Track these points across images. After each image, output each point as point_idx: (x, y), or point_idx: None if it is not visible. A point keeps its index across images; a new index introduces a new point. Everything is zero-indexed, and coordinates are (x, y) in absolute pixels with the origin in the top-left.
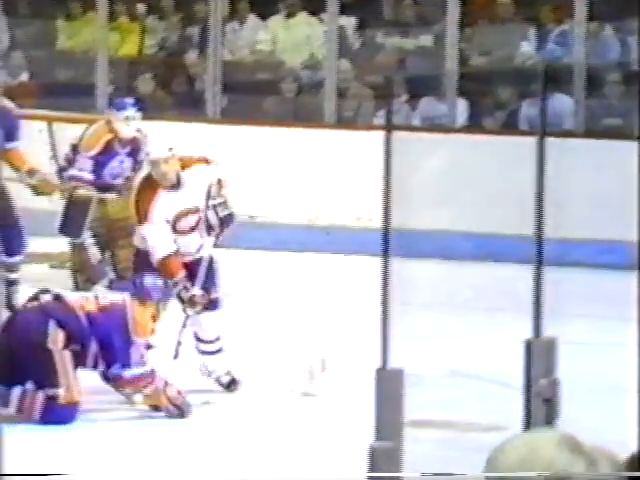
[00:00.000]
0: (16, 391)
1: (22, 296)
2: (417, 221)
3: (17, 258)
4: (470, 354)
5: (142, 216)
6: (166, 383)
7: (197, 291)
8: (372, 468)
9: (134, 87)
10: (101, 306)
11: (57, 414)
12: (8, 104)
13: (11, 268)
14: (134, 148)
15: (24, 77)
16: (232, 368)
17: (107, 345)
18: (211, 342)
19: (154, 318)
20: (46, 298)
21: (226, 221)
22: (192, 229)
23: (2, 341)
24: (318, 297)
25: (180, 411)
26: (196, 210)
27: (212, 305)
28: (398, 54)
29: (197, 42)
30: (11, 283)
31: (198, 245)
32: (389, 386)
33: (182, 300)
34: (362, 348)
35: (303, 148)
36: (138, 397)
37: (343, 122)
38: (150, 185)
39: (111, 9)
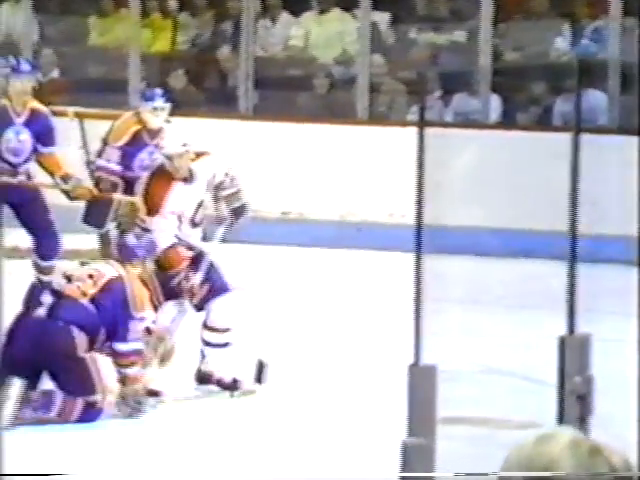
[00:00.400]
0: (59, 396)
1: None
2: (450, 218)
3: (51, 262)
4: (504, 351)
5: (152, 208)
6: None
7: (197, 280)
8: (404, 464)
9: (166, 83)
10: (101, 286)
11: (94, 416)
12: (42, 108)
13: (44, 271)
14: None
15: (55, 74)
16: (237, 368)
17: (112, 324)
18: (219, 331)
19: (150, 293)
20: (48, 300)
21: (238, 213)
22: (199, 222)
23: (28, 349)
24: (349, 293)
25: (134, 408)
26: (202, 203)
27: (213, 295)
28: (431, 50)
29: (230, 38)
30: (43, 285)
31: (200, 237)
32: (422, 382)
33: (182, 290)
34: (395, 344)
35: (335, 144)
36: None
37: (376, 118)
38: (163, 177)
39: (143, 6)
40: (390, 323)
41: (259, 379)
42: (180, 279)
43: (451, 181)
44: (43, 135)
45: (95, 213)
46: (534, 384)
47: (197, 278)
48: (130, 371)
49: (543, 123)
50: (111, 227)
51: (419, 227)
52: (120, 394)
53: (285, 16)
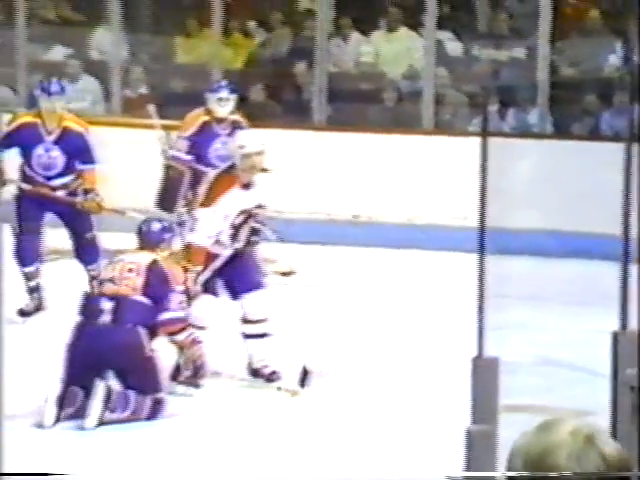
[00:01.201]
0: (133, 396)
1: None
2: (510, 220)
3: (95, 265)
4: (561, 344)
5: (206, 201)
6: (194, 340)
7: (202, 278)
8: (468, 450)
9: (246, 97)
10: (144, 275)
11: (160, 413)
12: (76, 127)
13: (92, 273)
14: (236, 129)
15: (143, 90)
16: (278, 359)
17: (154, 300)
18: (256, 322)
19: (185, 268)
20: (108, 306)
21: (255, 234)
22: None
23: (96, 357)
24: (415, 291)
25: (197, 375)
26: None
27: (247, 290)
28: (492, 65)
29: (305, 55)
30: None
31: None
32: (485, 373)
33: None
34: (459, 338)
35: (403, 153)
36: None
37: (440, 128)
38: (227, 178)
39: (225, 26)
40: (455, 319)
41: (302, 384)
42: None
43: (511, 187)
44: (78, 153)
45: (166, 198)
46: (589, 375)
47: (203, 276)
48: (181, 337)
49: (594, 134)
50: (181, 212)
51: (482, 229)
52: (182, 361)
53: (355, 35)
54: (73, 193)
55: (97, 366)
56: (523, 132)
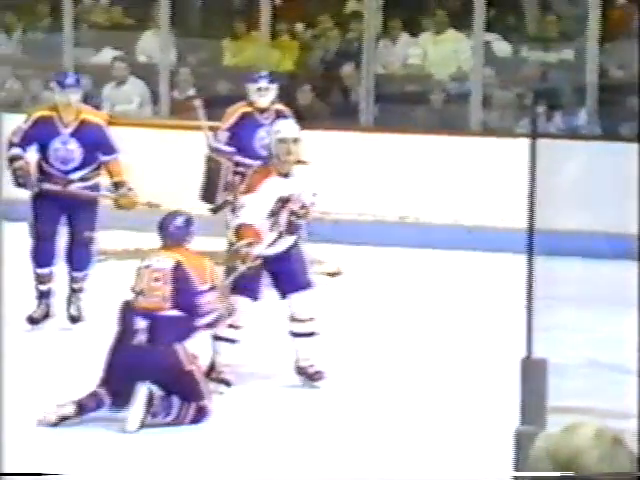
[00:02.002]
0: (176, 402)
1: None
2: (558, 222)
3: (84, 272)
4: (609, 345)
5: (249, 189)
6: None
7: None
8: (517, 451)
9: (294, 99)
10: (171, 281)
11: (204, 417)
12: (93, 120)
13: (77, 280)
14: (279, 118)
15: (191, 92)
16: (320, 359)
17: (189, 305)
18: (304, 321)
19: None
20: (143, 325)
21: (293, 229)
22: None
23: (133, 375)
24: (462, 292)
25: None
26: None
27: (296, 289)
28: (541, 67)
29: (353, 57)
30: (74, 291)
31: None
32: (533, 374)
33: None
34: (508, 340)
35: (450, 154)
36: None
37: (488, 130)
38: (266, 169)
39: (273, 28)
40: (503, 320)
41: (313, 378)
42: (242, 246)
43: (559, 188)
44: (98, 145)
45: (206, 190)
46: (637, 377)
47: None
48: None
49: None
50: (223, 204)
51: (530, 231)
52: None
53: (404, 37)
54: (92, 188)
55: (137, 381)
56: (572, 133)
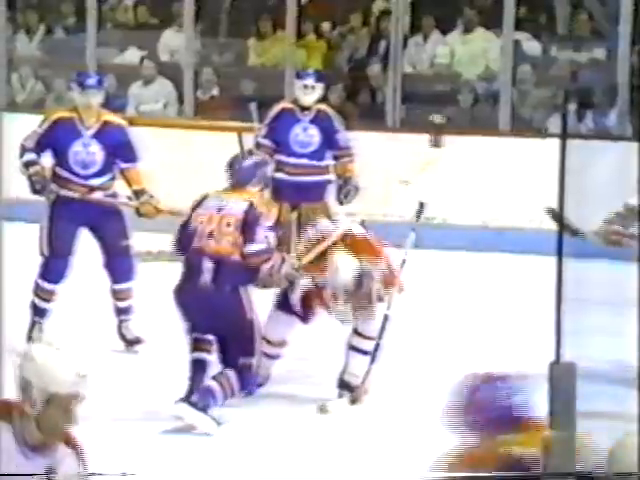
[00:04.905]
0: (218, 390)
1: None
2: (587, 223)
3: (126, 285)
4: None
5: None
6: (283, 259)
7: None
8: (546, 457)
9: (326, 98)
10: (240, 225)
11: (251, 381)
12: (117, 121)
13: (119, 296)
14: (319, 117)
15: (215, 92)
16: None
17: (246, 235)
18: (366, 338)
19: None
20: (209, 266)
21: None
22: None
23: (201, 316)
24: (491, 294)
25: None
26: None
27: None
28: (571, 67)
29: (380, 56)
30: (121, 312)
31: None
32: (563, 379)
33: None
34: (536, 343)
35: (479, 154)
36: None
37: (517, 130)
38: None
39: (299, 28)
40: (531, 323)
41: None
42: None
43: (590, 189)
44: (119, 149)
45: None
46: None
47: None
48: (267, 266)
49: None
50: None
51: (560, 232)
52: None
53: (436, 34)
54: (111, 196)
55: (200, 326)
56: (603, 133)
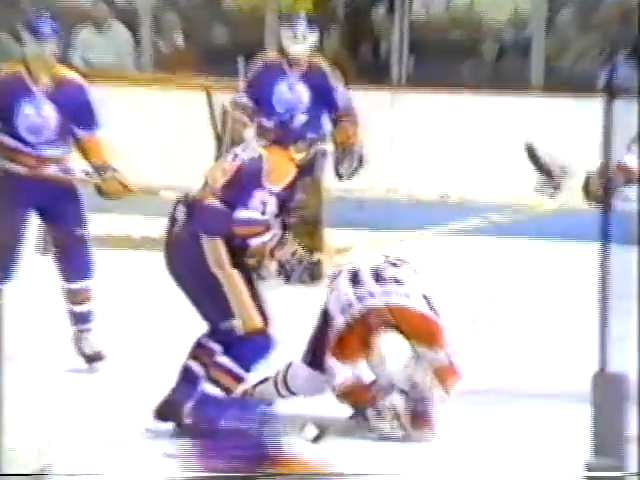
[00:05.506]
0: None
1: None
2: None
3: (82, 285)
4: None
5: None
6: (283, 236)
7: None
8: None
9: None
10: (229, 171)
11: (246, 349)
12: (74, 79)
13: (72, 298)
14: (312, 74)
15: (179, 41)
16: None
17: (236, 193)
18: None
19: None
20: (181, 213)
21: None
22: None
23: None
24: (517, 288)
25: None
26: None
27: None
28: (621, 8)
29: None
30: (78, 319)
31: None
32: (609, 393)
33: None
34: (577, 349)
35: (505, 118)
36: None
37: (552, 86)
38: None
39: None
40: (571, 324)
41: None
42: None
43: None
44: (77, 113)
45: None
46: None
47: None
48: (254, 242)
49: None
50: None
51: (607, 211)
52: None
53: None
54: (66, 171)
55: (183, 288)
56: None
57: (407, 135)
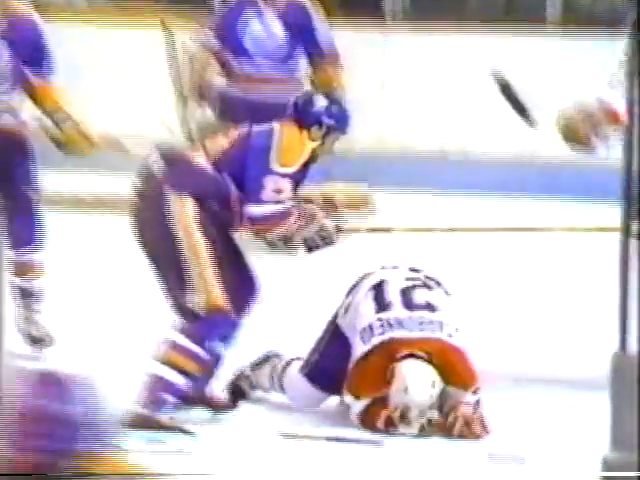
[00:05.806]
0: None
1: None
2: None
3: (27, 254)
4: None
5: None
6: (313, 216)
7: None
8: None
9: None
10: (231, 140)
11: (208, 327)
12: (28, 15)
13: (17, 269)
14: (290, 10)
15: None
16: None
17: (239, 180)
18: None
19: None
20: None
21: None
22: None
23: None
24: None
25: (326, 240)
26: None
27: None
28: None
29: None
30: (25, 294)
31: None
32: (629, 378)
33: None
34: (594, 330)
35: (518, 59)
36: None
37: (572, 22)
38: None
39: None
40: (590, 301)
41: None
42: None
43: None
44: (31, 54)
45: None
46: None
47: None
48: (277, 231)
49: None
50: None
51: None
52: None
53: None
54: (18, 121)
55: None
56: None
57: (401, 81)
